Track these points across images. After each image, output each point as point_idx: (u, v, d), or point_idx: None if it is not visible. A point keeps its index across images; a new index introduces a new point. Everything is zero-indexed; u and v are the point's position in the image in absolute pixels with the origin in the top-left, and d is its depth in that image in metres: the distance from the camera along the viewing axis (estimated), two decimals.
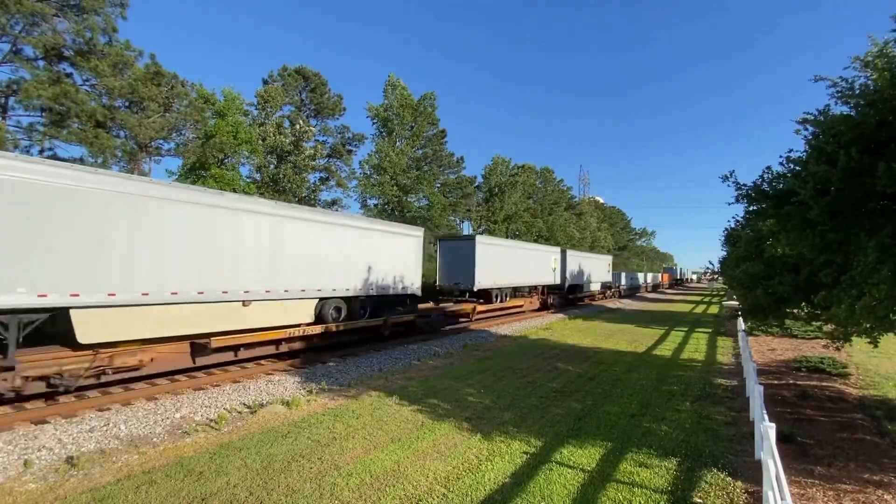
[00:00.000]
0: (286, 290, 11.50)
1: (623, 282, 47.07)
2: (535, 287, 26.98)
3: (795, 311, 8.82)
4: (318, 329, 12.36)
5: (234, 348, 10.68)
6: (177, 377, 9.87)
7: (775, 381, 11.10)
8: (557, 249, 29.85)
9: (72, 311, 7.73)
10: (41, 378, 7.73)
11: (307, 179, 28.60)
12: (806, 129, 6.67)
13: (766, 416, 5.62)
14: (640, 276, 59.48)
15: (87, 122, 17.48)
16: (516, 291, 24.99)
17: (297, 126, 27.50)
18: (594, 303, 37.05)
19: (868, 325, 6.61)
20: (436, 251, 21.84)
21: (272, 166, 27.16)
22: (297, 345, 12.12)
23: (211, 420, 7.70)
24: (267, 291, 10.99)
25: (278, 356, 12.05)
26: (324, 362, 12.22)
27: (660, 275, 77.72)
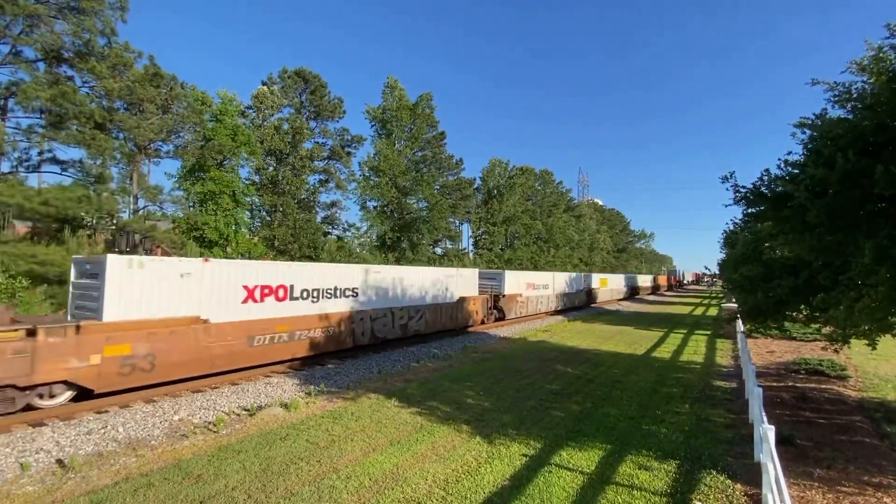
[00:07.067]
0: None
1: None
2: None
3: (794, 313, 8.84)
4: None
5: None
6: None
7: (774, 384, 11.10)
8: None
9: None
10: None
11: (306, 181, 28.56)
12: (803, 133, 6.69)
13: (765, 419, 5.63)
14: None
15: (85, 123, 17.45)
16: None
17: (295, 124, 27.49)
18: (594, 305, 37.03)
19: (866, 327, 6.63)
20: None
21: (271, 168, 27.16)
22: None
23: (209, 422, 7.68)
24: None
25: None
26: (322, 364, 12.20)
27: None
